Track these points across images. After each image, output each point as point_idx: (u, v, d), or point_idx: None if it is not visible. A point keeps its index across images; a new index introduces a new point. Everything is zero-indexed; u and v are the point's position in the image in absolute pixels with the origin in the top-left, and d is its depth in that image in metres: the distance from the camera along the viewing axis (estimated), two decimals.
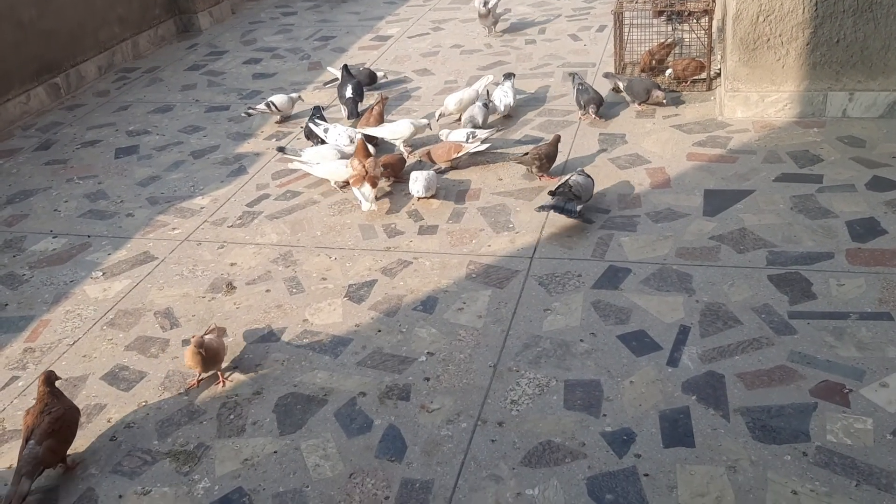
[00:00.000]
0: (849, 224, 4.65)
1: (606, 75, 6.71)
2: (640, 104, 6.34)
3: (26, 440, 3.36)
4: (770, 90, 5.93)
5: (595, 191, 5.12)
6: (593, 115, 6.15)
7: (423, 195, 5.31)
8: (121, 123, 7.19)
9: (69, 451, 3.55)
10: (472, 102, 6.31)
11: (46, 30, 7.74)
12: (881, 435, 3.30)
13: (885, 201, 4.82)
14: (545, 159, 5.42)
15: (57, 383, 3.59)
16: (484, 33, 8.44)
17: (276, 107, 6.72)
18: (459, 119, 6.34)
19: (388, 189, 5.55)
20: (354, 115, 6.65)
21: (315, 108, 6.40)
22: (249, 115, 6.87)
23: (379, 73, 7.32)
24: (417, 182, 5.29)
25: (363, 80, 7.03)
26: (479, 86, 6.50)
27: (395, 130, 5.93)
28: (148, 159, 6.44)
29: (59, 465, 3.49)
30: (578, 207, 4.83)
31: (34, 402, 3.55)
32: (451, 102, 6.33)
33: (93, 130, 7.10)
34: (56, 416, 3.44)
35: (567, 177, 5.09)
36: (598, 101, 6.19)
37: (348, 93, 6.73)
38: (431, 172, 5.41)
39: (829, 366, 3.67)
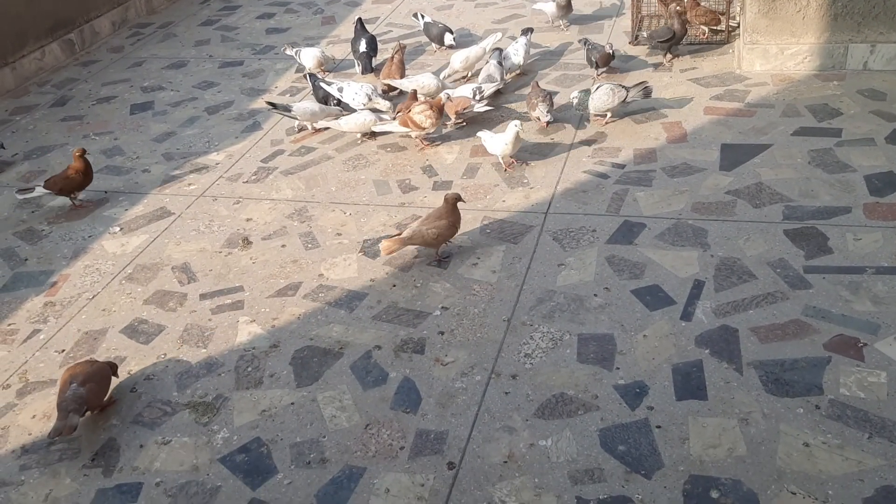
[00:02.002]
0: (867, 178, 4.61)
1: (638, 41, 6.60)
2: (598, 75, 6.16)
3: (68, 384, 3.51)
4: (790, 42, 5.83)
5: (610, 144, 5.14)
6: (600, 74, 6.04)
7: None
8: (135, 79, 7.18)
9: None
10: (479, 60, 6.25)
11: None
12: (894, 388, 3.31)
13: None
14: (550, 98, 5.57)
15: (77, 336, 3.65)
16: (557, 27, 7.26)
17: (299, 57, 6.66)
18: (466, 77, 6.29)
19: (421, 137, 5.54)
20: (368, 70, 6.61)
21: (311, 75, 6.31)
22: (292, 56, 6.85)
23: (448, 38, 6.87)
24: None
25: (434, 37, 6.90)
26: (487, 43, 6.38)
27: (422, 83, 5.92)
28: (163, 115, 6.44)
29: (96, 411, 3.64)
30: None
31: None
32: (456, 61, 6.25)
33: (108, 86, 7.10)
34: (97, 366, 3.66)
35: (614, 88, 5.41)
36: (610, 55, 6.02)
37: (362, 47, 6.67)
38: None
39: (843, 320, 3.67)
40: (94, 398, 3.54)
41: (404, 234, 4.27)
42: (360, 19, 6.90)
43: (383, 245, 4.32)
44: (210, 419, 3.56)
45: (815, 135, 5.09)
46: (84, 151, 5.17)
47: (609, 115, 5.49)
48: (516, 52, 6.24)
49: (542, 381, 3.55)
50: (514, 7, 7.85)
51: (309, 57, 6.58)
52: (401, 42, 6.67)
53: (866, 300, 3.76)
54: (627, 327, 3.78)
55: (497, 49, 6.16)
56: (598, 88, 5.43)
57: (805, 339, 3.59)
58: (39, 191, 5.16)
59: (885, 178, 4.59)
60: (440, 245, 4.33)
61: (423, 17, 6.96)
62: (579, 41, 6.41)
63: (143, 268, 4.62)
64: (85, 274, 4.63)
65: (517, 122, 4.94)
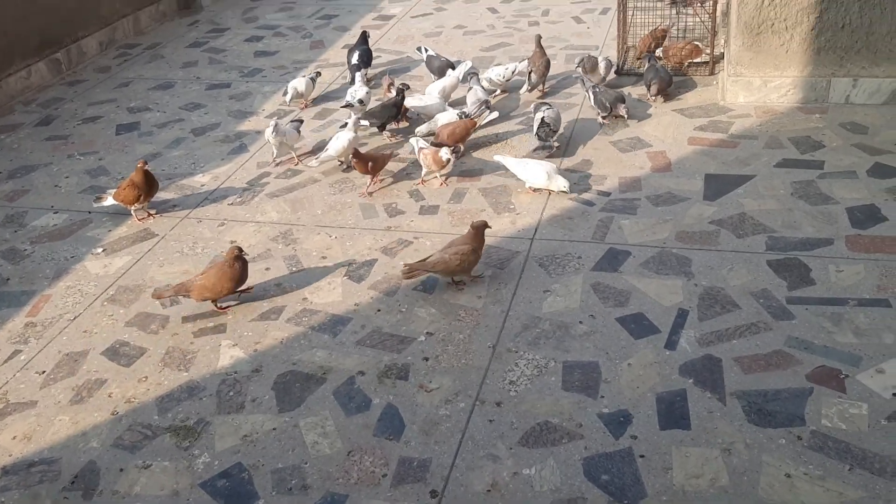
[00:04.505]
0: (849, 210, 4.66)
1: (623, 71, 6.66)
2: (604, 117, 5.98)
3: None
4: (773, 75, 5.91)
5: (596, 172, 5.18)
6: (625, 113, 5.86)
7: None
8: (122, 100, 7.17)
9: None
10: (455, 89, 6.33)
11: (49, 5, 7.69)
12: (876, 420, 3.32)
13: (886, 188, 4.82)
14: (545, 69, 6.34)
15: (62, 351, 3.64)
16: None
17: (298, 92, 6.60)
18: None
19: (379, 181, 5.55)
20: (354, 81, 6.73)
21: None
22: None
23: (450, 74, 6.61)
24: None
25: (436, 70, 6.81)
26: (458, 72, 6.45)
27: (427, 103, 6.09)
28: (149, 136, 6.43)
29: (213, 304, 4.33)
30: (554, 141, 5.59)
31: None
32: (434, 91, 6.28)
33: (94, 106, 7.08)
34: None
35: (539, 115, 5.53)
36: (623, 98, 5.94)
37: (354, 59, 6.89)
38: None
39: (826, 351, 3.69)
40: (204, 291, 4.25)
41: (429, 261, 4.26)
42: (363, 32, 7.09)
43: (404, 269, 4.30)
44: (191, 443, 3.52)
45: (797, 167, 5.15)
46: (145, 163, 5.15)
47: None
48: (498, 74, 6.40)
49: (527, 408, 3.54)
50: (502, 35, 7.93)
51: (301, 85, 6.57)
52: (388, 76, 6.66)
53: (848, 332, 3.79)
54: (612, 355, 3.79)
55: (473, 74, 6.25)
56: (547, 109, 5.65)
57: (788, 369, 3.61)
58: (110, 200, 5.21)
59: (867, 210, 4.64)
60: (465, 272, 4.31)
61: (426, 50, 6.96)
62: (576, 76, 6.39)
63: (125, 289, 4.59)
64: (67, 295, 4.59)
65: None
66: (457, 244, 4.29)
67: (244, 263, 4.30)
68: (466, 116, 5.80)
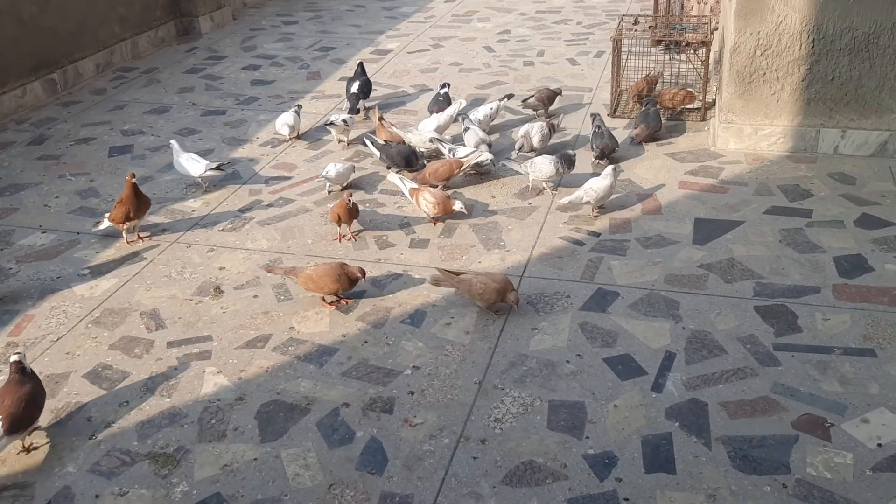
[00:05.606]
0: (836, 259, 4.69)
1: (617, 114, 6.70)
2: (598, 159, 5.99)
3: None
4: (764, 123, 5.99)
5: (586, 212, 5.20)
6: (599, 161, 5.92)
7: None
8: (116, 122, 7.17)
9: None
10: (448, 126, 6.36)
11: (46, 26, 7.72)
12: (861, 470, 3.31)
13: (872, 239, 4.87)
14: (546, 101, 6.69)
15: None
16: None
17: (292, 127, 6.59)
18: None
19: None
20: (354, 111, 6.87)
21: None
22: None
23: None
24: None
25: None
26: (453, 110, 6.49)
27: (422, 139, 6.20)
28: (141, 159, 6.42)
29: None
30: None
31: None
32: (430, 127, 6.32)
33: (87, 128, 7.07)
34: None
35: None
36: (612, 149, 5.96)
37: (354, 88, 7.02)
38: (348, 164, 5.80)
39: (811, 399, 3.69)
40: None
41: (458, 276, 4.36)
42: (361, 63, 7.26)
43: (436, 272, 4.45)
44: (170, 471, 3.47)
45: (786, 214, 5.19)
46: (134, 176, 5.12)
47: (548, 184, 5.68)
48: (484, 114, 6.45)
49: (512, 447, 3.51)
50: (497, 74, 8.00)
51: (291, 119, 6.58)
52: (378, 111, 6.67)
53: (834, 380, 3.79)
54: (598, 396, 3.77)
55: (464, 116, 6.33)
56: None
57: (773, 416, 3.61)
58: (106, 223, 5.19)
59: (854, 260, 4.68)
60: (483, 304, 4.32)
61: (447, 86, 6.94)
62: (591, 115, 6.35)
63: (110, 312, 4.55)
64: (51, 315, 4.54)
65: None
66: (490, 277, 4.34)
67: (353, 274, 4.45)
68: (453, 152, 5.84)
